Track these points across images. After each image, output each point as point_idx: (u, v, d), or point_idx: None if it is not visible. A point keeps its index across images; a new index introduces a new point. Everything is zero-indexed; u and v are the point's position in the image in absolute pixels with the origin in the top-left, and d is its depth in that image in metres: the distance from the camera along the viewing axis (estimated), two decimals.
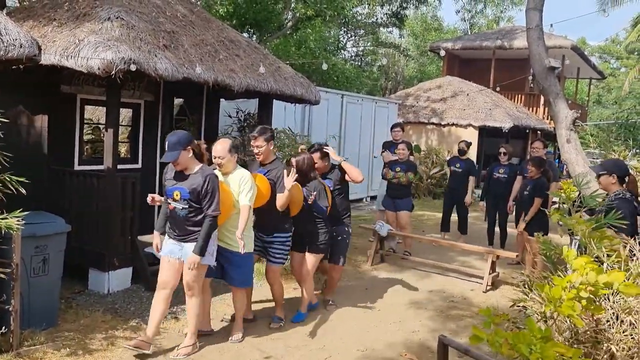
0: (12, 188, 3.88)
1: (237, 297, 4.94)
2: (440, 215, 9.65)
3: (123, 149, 8.72)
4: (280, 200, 4.91)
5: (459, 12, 34.62)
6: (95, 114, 11.00)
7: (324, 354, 4.76)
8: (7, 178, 3.90)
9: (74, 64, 5.22)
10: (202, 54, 6.35)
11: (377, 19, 24.54)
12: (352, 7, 18.30)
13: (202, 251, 4.31)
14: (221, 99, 8.70)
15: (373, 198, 13.11)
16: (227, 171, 4.67)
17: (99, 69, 5.10)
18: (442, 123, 16.70)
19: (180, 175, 4.39)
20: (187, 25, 6.77)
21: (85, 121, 7.33)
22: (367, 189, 13.60)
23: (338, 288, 6.48)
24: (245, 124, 9.44)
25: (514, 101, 19.90)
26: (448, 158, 10.95)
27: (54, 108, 6.31)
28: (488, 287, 6.91)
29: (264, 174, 4.98)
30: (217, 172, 4.62)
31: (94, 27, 5.58)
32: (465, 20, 34.63)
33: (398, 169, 8.10)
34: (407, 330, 5.44)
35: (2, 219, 3.82)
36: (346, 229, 5.82)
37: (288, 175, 4.90)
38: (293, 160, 5.27)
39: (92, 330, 4.78)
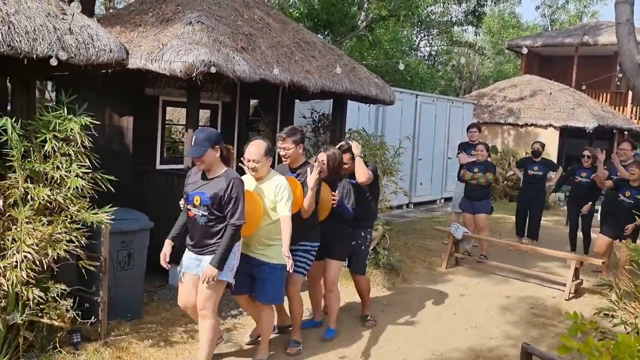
0: (102, 186, 4.09)
1: (264, 315, 4.41)
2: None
3: None
4: (305, 202, 4.39)
5: (538, 7, 33.36)
6: (175, 115, 11.43)
7: (398, 356, 4.71)
8: (98, 176, 4.11)
9: (157, 67, 5.43)
10: (278, 55, 6.44)
11: (451, 18, 24.04)
12: (427, 6, 18.02)
13: (220, 263, 3.79)
14: (296, 100, 8.79)
15: (447, 200, 12.84)
16: (261, 176, 4.20)
17: (180, 71, 5.28)
18: (520, 123, 16.11)
19: (203, 179, 3.97)
20: (264, 28, 6.89)
21: (166, 122, 7.63)
22: (442, 191, 13.34)
23: (413, 290, 6.40)
24: (320, 125, 9.50)
25: (599, 100, 18.90)
26: (518, 160, 10.48)
27: (138, 110, 6.61)
28: (571, 295, 6.60)
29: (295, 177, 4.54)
30: (248, 177, 4.22)
31: (177, 31, 5.79)
32: (545, 16, 33.30)
33: (476, 169, 7.90)
34: (484, 336, 5.28)
35: (94, 214, 4.03)
36: (362, 234, 5.20)
37: (311, 173, 4.39)
38: (322, 155, 4.74)
39: (173, 323, 4.95)
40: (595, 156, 7.98)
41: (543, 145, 9.05)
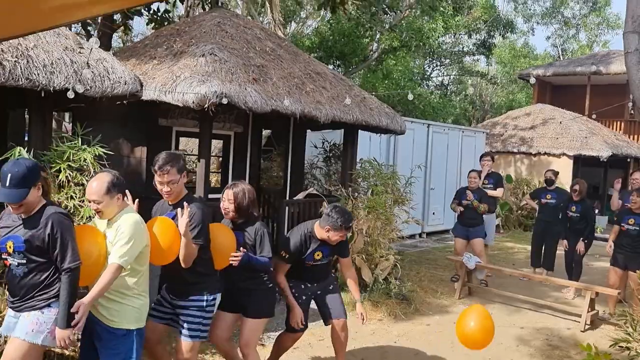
0: None
1: None
2: (530, 248, 9.21)
3: (214, 179, 9.10)
4: (181, 252, 3.51)
5: (549, 37, 33.55)
6: (189, 145, 11.59)
7: None
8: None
9: (171, 98, 5.55)
10: (289, 86, 6.54)
11: (462, 48, 24.26)
12: (438, 37, 18.22)
13: (64, 321, 3.02)
14: (307, 130, 8.88)
15: None
16: (110, 218, 3.31)
17: (193, 102, 5.38)
18: (532, 152, 16.07)
19: (18, 219, 3.16)
20: (275, 59, 7.02)
21: (180, 152, 7.74)
22: (454, 220, 13.23)
23: (425, 320, 6.32)
24: (331, 154, 9.57)
25: (612, 128, 18.83)
26: (531, 191, 10.39)
27: (152, 140, 6.71)
28: (587, 326, 6.47)
29: (173, 218, 3.63)
30: (98, 220, 3.43)
31: (190, 63, 5.92)
32: (556, 46, 33.46)
33: (468, 196, 7.96)
34: None
35: None
36: (332, 276, 4.69)
37: (182, 215, 3.49)
38: (227, 192, 3.92)
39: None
40: (585, 189, 7.88)
41: (556, 174, 8.98)
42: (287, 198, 8.10)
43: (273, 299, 4.15)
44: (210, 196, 6.40)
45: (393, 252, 7.26)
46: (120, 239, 3.18)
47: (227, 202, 3.89)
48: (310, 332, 5.76)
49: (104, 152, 4.28)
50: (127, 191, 3.44)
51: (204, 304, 3.67)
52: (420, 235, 12.23)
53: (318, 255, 4.28)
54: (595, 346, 2.76)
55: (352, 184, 7.54)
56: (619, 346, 4.33)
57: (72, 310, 2.99)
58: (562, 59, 29.87)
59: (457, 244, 8.28)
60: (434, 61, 26.14)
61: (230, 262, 3.75)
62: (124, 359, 3.26)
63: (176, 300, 3.70)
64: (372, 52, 18.92)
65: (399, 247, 9.26)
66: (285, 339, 4.55)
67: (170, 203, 3.68)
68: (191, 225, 3.50)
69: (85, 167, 4.25)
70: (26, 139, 4.93)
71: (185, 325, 3.65)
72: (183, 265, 3.53)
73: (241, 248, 3.81)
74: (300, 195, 7.70)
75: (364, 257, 6.92)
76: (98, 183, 3.24)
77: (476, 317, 3.76)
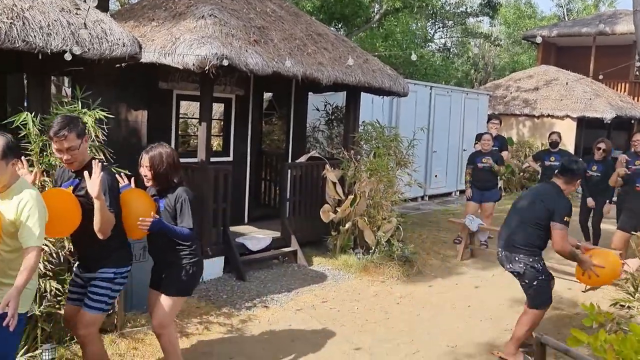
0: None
1: None
2: None
3: (215, 143, 9.06)
4: (96, 220, 3.17)
5: None
6: (189, 109, 11.51)
7: (412, 348, 4.70)
8: (112, 171, 4.14)
9: (170, 61, 5.47)
10: (291, 48, 6.43)
11: (466, 9, 23.81)
12: None
13: None
14: (309, 93, 8.79)
15: (462, 192, 12.76)
16: (1, 188, 2.90)
17: (193, 65, 5.31)
18: (536, 114, 15.94)
19: None
20: (276, 21, 6.89)
21: (180, 116, 7.67)
22: (457, 183, 13.26)
23: (427, 282, 6.38)
24: (333, 117, 9.50)
25: (617, 90, 18.61)
26: (534, 153, 10.32)
27: (152, 104, 6.65)
28: (587, 287, 6.52)
29: (76, 186, 3.31)
30: None
31: (189, 25, 5.81)
32: (561, 6, 32.83)
33: (485, 159, 7.91)
34: (499, 328, 5.25)
35: None
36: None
37: (90, 176, 3.13)
38: (144, 157, 3.58)
39: (188, 315, 4.99)
40: (610, 149, 7.80)
41: (560, 136, 8.94)
42: (290, 161, 8.07)
43: (192, 277, 3.70)
44: (212, 159, 6.40)
45: (395, 214, 7.28)
46: (30, 217, 2.84)
47: (143, 167, 3.58)
48: (313, 294, 5.83)
49: (104, 116, 4.24)
50: (23, 158, 3.14)
51: (112, 275, 3.43)
52: (422, 197, 12.24)
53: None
54: (598, 305, 2.78)
55: (354, 146, 7.51)
56: (620, 305, 4.37)
57: (9, 304, 2.65)
58: (567, 19, 29.35)
59: (469, 207, 8.13)
60: (437, 23, 25.72)
61: (139, 227, 3.38)
62: (8, 346, 2.91)
63: (86, 274, 3.45)
64: (374, 14, 18.58)
65: (402, 209, 9.28)
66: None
67: (72, 171, 3.35)
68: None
69: (86, 131, 4.19)
70: (26, 103, 4.89)
71: (90, 295, 3.39)
72: (100, 235, 3.23)
73: (152, 213, 3.43)
74: (303, 158, 7.67)
75: (366, 219, 6.94)
76: None
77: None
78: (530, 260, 4.34)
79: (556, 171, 4.59)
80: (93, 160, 3.25)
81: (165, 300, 3.64)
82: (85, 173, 3.15)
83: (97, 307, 3.39)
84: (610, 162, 7.89)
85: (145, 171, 3.58)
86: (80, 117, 3.46)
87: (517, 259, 4.39)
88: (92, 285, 3.40)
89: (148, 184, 3.62)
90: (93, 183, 3.10)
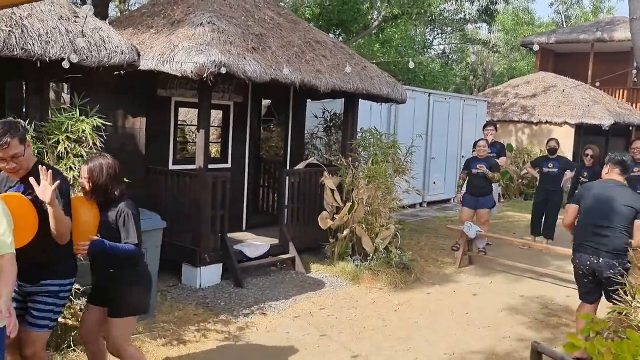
0: None
1: None
2: (530, 217, 9.24)
3: (214, 150, 9.08)
4: (52, 225, 3.01)
5: (552, 4, 32.99)
6: (188, 116, 11.52)
7: (410, 356, 4.69)
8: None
9: (169, 68, 5.49)
10: (289, 55, 6.45)
11: (465, 16, 23.87)
12: (439, 5, 17.92)
13: None
14: (308, 100, 8.81)
15: None
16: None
17: (192, 72, 5.33)
18: (534, 121, 15.97)
19: None
20: (274, 28, 6.91)
21: (179, 123, 7.68)
22: (455, 190, 13.26)
23: (426, 289, 6.37)
24: (332, 124, 9.52)
25: (615, 97, 18.67)
26: (532, 160, 10.32)
27: (151, 111, 6.66)
28: None
29: (23, 192, 3.07)
30: None
31: (188, 33, 5.83)
32: (559, 13, 32.95)
33: (479, 166, 7.91)
34: (497, 336, 5.25)
35: None
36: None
37: (45, 180, 2.94)
38: (83, 168, 3.38)
39: (186, 322, 4.99)
40: (598, 155, 7.81)
41: (559, 143, 8.96)
42: (288, 168, 8.08)
43: (141, 294, 3.52)
44: (210, 166, 6.40)
45: (394, 221, 7.28)
46: (0, 223, 2.69)
47: (82, 179, 3.35)
48: (311, 301, 5.83)
49: (102, 123, 4.25)
50: None
51: (58, 289, 3.19)
52: (421, 204, 12.24)
53: None
54: (594, 314, 2.78)
55: (352, 153, 7.51)
56: (617, 313, 4.35)
57: (5, 313, 2.55)
58: (565, 26, 29.45)
59: (463, 213, 8.17)
60: (436, 29, 25.77)
61: (78, 250, 3.19)
62: None
63: (26, 287, 3.15)
64: (372, 21, 18.64)
65: (400, 216, 9.29)
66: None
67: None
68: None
69: (84, 138, 4.20)
70: (25, 110, 4.90)
71: (34, 313, 3.13)
72: (60, 240, 3.06)
73: (90, 237, 3.20)
74: (301, 165, 7.68)
75: (364, 226, 6.94)
76: None
77: None
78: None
79: (614, 169, 4.75)
80: (39, 166, 3.03)
81: (117, 324, 3.41)
82: (33, 181, 2.95)
83: (43, 325, 3.16)
84: (599, 169, 7.91)
85: (84, 183, 3.34)
86: (20, 121, 3.18)
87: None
88: (35, 301, 3.16)
89: (86, 196, 3.38)
90: (44, 188, 2.91)
